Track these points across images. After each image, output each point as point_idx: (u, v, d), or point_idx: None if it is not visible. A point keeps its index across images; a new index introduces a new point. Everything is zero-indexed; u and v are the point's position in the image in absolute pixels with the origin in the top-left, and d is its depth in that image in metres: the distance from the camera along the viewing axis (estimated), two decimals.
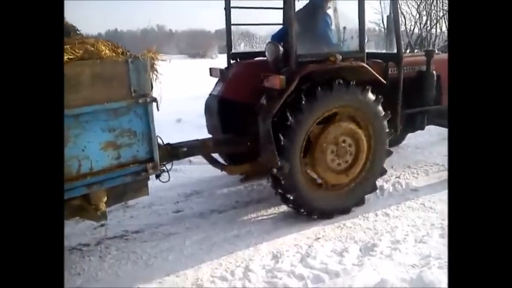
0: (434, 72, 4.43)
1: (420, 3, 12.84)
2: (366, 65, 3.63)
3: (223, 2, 4.24)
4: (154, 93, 3.08)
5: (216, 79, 4.37)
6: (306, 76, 3.39)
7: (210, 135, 4.34)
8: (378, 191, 4.17)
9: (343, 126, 3.61)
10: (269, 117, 3.31)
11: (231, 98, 4.06)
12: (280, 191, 3.56)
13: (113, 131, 2.58)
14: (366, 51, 4.00)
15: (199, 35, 37.53)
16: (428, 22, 12.97)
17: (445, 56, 5.25)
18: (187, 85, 11.52)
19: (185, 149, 3.72)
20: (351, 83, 3.49)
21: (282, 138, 3.31)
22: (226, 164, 4.26)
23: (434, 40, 13.30)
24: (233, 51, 4.43)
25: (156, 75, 3.18)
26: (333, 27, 4.23)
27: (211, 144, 3.94)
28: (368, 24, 10.93)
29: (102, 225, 3.65)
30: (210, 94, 4.28)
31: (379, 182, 4.28)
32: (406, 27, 12.95)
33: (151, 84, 2.94)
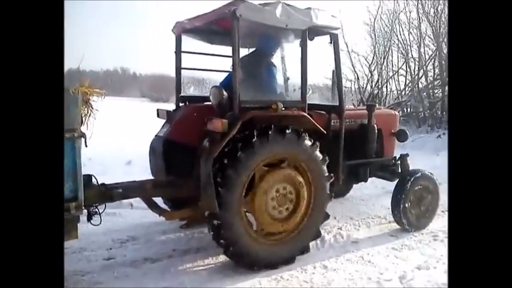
0: (375, 125, 4.60)
1: (371, 63, 13.71)
2: (306, 115, 3.71)
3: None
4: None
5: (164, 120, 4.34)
6: (249, 122, 3.41)
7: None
8: (318, 242, 4.13)
9: (284, 173, 3.59)
10: (210, 160, 3.26)
11: (177, 140, 4.00)
12: (217, 237, 3.42)
13: None
14: (312, 102, 4.12)
15: (163, 80, 37.68)
16: (380, 81, 13.79)
17: (386, 110, 5.52)
18: (143, 127, 11.38)
19: (120, 190, 3.57)
20: (288, 129, 3.49)
21: (221, 181, 3.25)
22: (167, 209, 4.11)
23: (385, 98, 14.11)
24: (182, 94, 4.45)
25: (91, 111, 3.09)
26: (280, 76, 4.36)
27: (150, 186, 3.79)
28: (324, 80, 11.52)
29: None
30: (155, 135, 4.20)
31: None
32: (359, 85, 13.72)
33: (82, 119, 2.85)
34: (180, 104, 4.41)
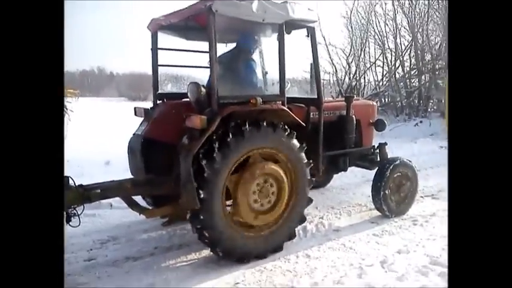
0: (353, 116, 4.65)
1: (349, 55, 13.86)
2: (285, 108, 3.71)
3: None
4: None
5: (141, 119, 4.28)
6: (228, 117, 3.40)
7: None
8: (301, 231, 4.17)
9: (265, 167, 3.58)
10: (190, 156, 3.24)
11: (155, 138, 3.95)
12: (199, 230, 3.41)
13: None
14: (291, 95, 4.12)
15: (140, 78, 37.13)
16: (357, 72, 13.96)
17: (364, 101, 5.55)
18: (121, 127, 11.22)
19: (99, 191, 3.52)
20: (278, 124, 3.54)
21: (203, 175, 3.24)
22: (148, 207, 4.06)
23: (363, 89, 14.31)
24: (159, 91, 4.39)
25: (65, 112, 3.03)
26: (259, 70, 4.34)
27: (130, 185, 3.74)
28: (303, 74, 11.58)
29: None
30: (133, 134, 4.15)
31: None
32: (337, 77, 13.87)
33: None
34: (158, 102, 4.36)
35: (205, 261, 3.63)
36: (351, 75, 13.84)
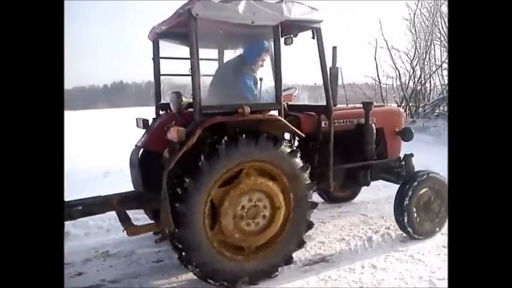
0: (373, 125, 4.17)
1: (413, 58, 13.30)
2: (281, 118, 3.36)
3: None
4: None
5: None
6: (214, 128, 3.12)
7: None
8: (366, 242, 4.06)
9: (252, 183, 3.21)
10: (166, 172, 2.96)
11: (153, 149, 3.68)
12: (181, 257, 3.15)
13: None
14: (302, 103, 3.90)
15: (181, 88, 38.54)
16: (422, 76, 13.36)
17: (388, 108, 4.90)
18: None
19: (80, 208, 3.40)
20: (261, 136, 3.17)
21: (179, 196, 2.99)
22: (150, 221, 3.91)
23: (429, 94, 13.63)
24: (162, 101, 4.15)
25: None
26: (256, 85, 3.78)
27: (116, 201, 3.57)
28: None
29: (79, 274, 3.61)
30: (135, 145, 3.93)
31: (367, 233, 4.18)
32: (401, 82, 13.36)
33: None
34: (161, 112, 4.11)
35: None
36: (416, 80, 13.26)
